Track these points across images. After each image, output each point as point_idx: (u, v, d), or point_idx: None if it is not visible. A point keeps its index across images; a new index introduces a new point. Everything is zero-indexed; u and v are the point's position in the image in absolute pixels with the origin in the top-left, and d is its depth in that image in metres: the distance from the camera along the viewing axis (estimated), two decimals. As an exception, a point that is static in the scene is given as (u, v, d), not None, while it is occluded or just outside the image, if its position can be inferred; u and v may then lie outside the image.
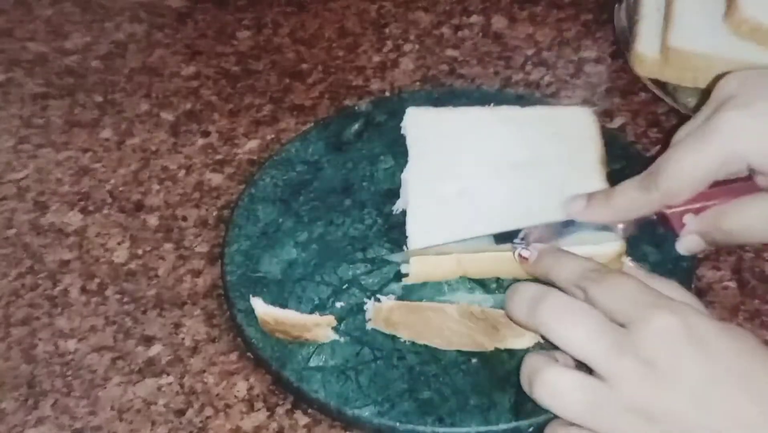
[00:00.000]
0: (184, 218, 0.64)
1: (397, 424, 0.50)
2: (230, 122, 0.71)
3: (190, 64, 0.76)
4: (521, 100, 0.65)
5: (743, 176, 0.50)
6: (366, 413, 0.50)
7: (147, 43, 0.79)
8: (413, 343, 0.53)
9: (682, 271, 0.55)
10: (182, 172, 0.67)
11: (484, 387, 0.51)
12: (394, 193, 0.60)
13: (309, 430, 0.52)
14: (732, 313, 0.56)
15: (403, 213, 0.57)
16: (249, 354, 0.55)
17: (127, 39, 0.79)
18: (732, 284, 0.57)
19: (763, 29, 0.65)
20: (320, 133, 0.66)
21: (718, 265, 0.58)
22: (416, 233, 0.54)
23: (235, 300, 0.56)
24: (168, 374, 0.55)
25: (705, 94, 0.52)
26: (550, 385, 0.44)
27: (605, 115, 0.68)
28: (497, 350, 0.52)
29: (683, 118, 0.66)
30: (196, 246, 0.62)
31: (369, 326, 0.53)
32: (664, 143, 0.66)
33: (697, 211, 0.51)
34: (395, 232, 0.58)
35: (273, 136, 0.69)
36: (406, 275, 0.55)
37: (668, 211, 0.51)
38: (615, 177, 0.56)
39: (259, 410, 0.53)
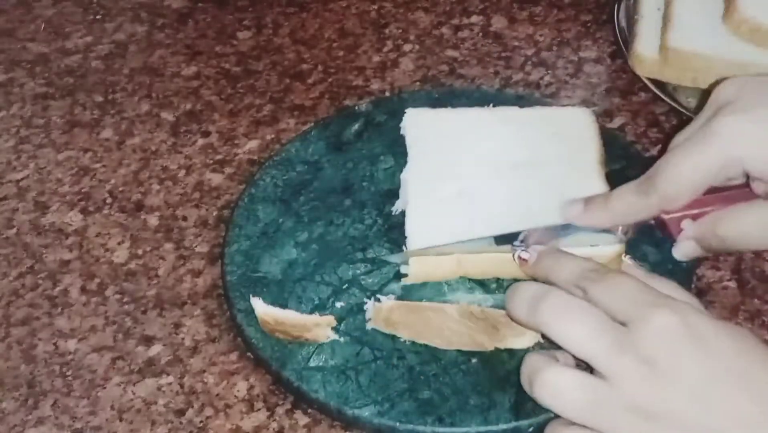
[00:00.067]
0: (184, 218, 0.64)
1: (397, 424, 0.50)
2: (230, 122, 0.71)
3: (191, 65, 0.76)
4: (521, 101, 0.65)
5: (741, 183, 0.50)
6: (366, 413, 0.50)
7: (147, 43, 0.79)
8: (413, 343, 0.53)
9: (682, 271, 0.55)
10: (182, 172, 0.67)
11: (484, 387, 0.51)
12: (394, 194, 0.60)
13: (309, 430, 0.52)
14: (732, 313, 0.56)
15: (403, 213, 0.57)
16: (249, 354, 0.55)
17: (128, 39, 0.79)
18: (732, 284, 0.57)
19: (763, 30, 0.65)
20: (320, 133, 0.66)
21: (718, 265, 0.58)
22: (415, 234, 0.54)
23: (235, 300, 0.56)
24: (168, 374, 0.55)
25: (705, 95, 0.52)
26: (551, 384, 0.44)
27: (605, 115, 0.68)
28: (497, 349, 0.52)
29: (683, 118, 0.67)
30: (196, 246, 0.62)
31: (369, 326, 0.53)
32: (664, 143, 0.66)
33: (694, 217, 0.51)
34: (395, 232, 0.58)
35: (273, 136, 0.69)
36: (406, 275, 0.55)
37: (666, 217, 0.52)
38: (615, 177, 0.56)
39: (259, 410, 0.53)
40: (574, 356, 0.45)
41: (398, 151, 0.61)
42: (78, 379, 0.56)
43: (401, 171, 0.59)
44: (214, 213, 0.64)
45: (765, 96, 0.49)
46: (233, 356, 0.56)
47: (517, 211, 0.55)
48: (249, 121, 0.71)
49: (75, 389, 0.55)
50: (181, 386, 0.55)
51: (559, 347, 0.45)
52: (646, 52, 0.68)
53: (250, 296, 0.54)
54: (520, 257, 0.52)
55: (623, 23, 0.73)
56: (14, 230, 0.65)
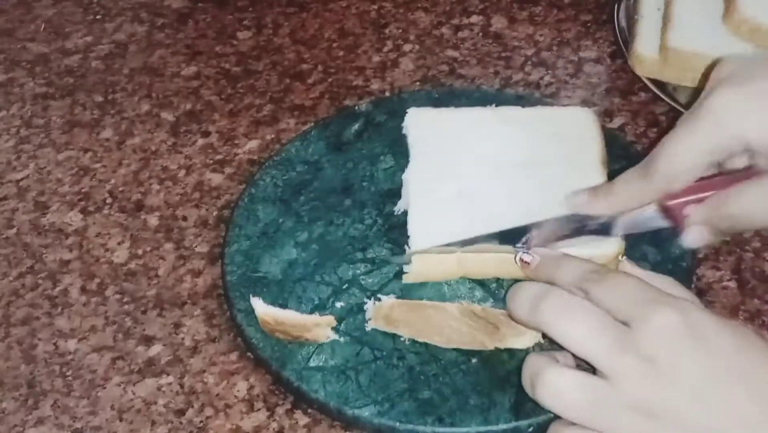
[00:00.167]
0: (184, 218, 0.64)
1: (397, 424, 0.50)
2: (230, 122, 0.71)
3: (191, 65, 0.76)
4: (521, 100, 0.65)
5: (743, 168, 0.50)
6: (366, 413, 0.50)
7: (147, 43, 0.79)
8: (413, 343, 0.53)
9: (682, 271, 0.55)
10: (182, 172, 0.67)
11: (484, 387, 0.51)
12: (394, 194, 0.60)
13: (309, 430, 0.52)
14: (732, 313, 0.56)
15: (405, 213, 0.57)
16: (249, 354, 0.55)
17: (128, 39, 0.79)
18: (732, 284, 0.57)
19: (763, 30, 0.65)
20: (320, 133, 0.66)
21: (718, 265, 0.58)
22: (417, 234, 0.54)
23: (235, 300, 0.56)
24: (168, 374, 0.55)
25: (702, 81, 0.52)
26: (552, 385, 0.44)
27: (605, 115, 0.68)
28: (497, 349, 0.52)
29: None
30: (196, 246, 0.62)
31: (369, 325, 0.53)
32: (664, 143, 0.66)
33: (699, 202, 0.51)
34: (395, 232, 0.58)
35: (273, 136, 0.69)
36: (406, 273, 0.55)
37: (670, 203, 0.51)
38: (615, 177, 0.56)
39: (259, 410, 0.53)
40: (575, 357, 0.45)
41: (398, 151, 0.61)
42: (78, 379, 0.56)
43: (401, 171, 0.59)
44: (214, 213, 0.64)
45: (760, 71, 0.48)
46: (233, 356, 0.56)
47: (519, 211, 0.55)
48: (249, 121, 0.71)
49: (75, 389, 0.55)
50: (181, 386, 0.55)
51: (560, 348, 0.45)
52: (646, 52, 0.68)
53: (250, 296, 0.54)
54: (522, 260, 0.52)
55: (623, 23, 0.73)
56: (14, 230, 0.65)
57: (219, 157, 0.68)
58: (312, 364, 0.52)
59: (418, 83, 0.73)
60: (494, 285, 0.55)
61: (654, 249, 0.56)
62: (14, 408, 0.54)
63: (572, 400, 0.44)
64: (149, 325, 0.58)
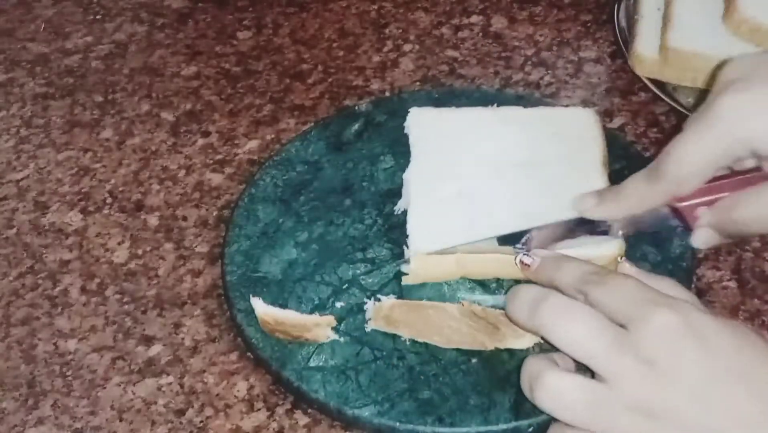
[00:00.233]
0: (184, 218, 0.64)
1: (397, 424, 0.50)
2: (230, 122, 0.71)
3: (191, 65, 0.76)
4: (521, 101, 0.65)
5: (754, 167, 0.50)
6: (366, 413, 0.50)
7: (147, 43, 0.79)
8: (413, 343, 0.53)
9: (682, 271, 0.55)
10: (182, 172, 0.67)
11: (484, 387, 0.51)
12: (394, 194, 0.60)
13: (309, 430, 0.52)
14: (732, 313, 0.56)
15: (404, 213, 0.57)
16: (249, 354, 0.55)
17: (128, 39, 0.79)
18: (732, 284, 0.57)
19: (763, 30, 0.65)
20: (320, 133, 0.66)
21: (718, 265, 0.58)
22: (417, 233, 0.54)
23: (235, 300, 0.56)
24: (168, 374, 0.55)
25: (710, 81, 0.52)
26: (551, 388, 0.44)
27: (605, 115, 0.68)
28: (497, 349, 0.52)
29: (683, 118, 0.66)
30: (196, 246, 0.62)
31: (369, 326, 0.53)
32: (664, 143, 0.66)
33: (709, 204, 0.50)
34: (395, 232, 0.58)
35: (273, 136, 0.69)
36: (406, 274, 0.55)
37: (680, 205, 0.51)
38: (615, 177, 0.56)
39: (259, 410, 0.53)
40: (574, 360, 0.45)
41: (398, 151, 0.61)
42: (78, 379, 0.56)
43: (401, 171, 0.59)
44: (214, 213, 0.64)
45: (766, 71, 0.48)
46: (233, 356, 0.56)
47: (519, 211, 0.55)
48: (249, 121, 0.71)
49: (75, 389, 0.55)
50: (181, 386, 0.55)
51: (559, 351, 0.45)
52: (646, 52, 0.68)
53: (250, 296, 0.54)
54: (522, 262, 0.52)
55: (623, 23, 0.73)
56: (14, 230, 0.65)
57: (219, 157, 0.68)
58: (312, 364, 0.52)
59: (418, 83, 0.73)
60: (494, 285, 0.55)
61: (654, 249, 0.56)
62: (14, 408, 0.54)
63: (571, 403, 0.44)
64: (149, 325, 0.58)
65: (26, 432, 0.53)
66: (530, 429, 0.49)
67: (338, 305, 0.55)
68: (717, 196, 0.50)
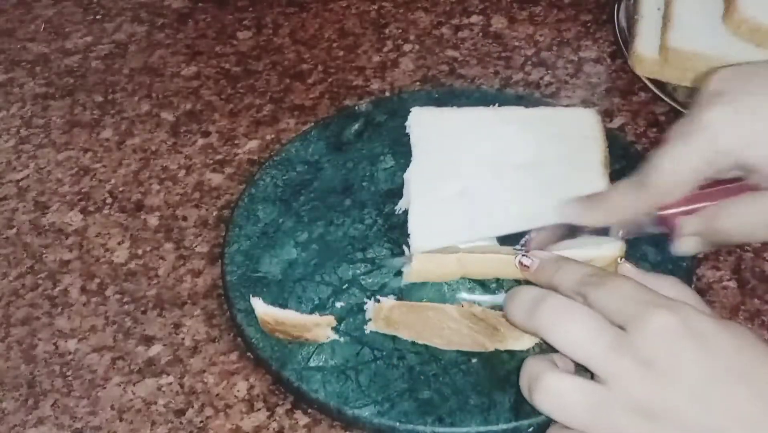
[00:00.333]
0: (184, 218, 0.64)
1: (397, 424, 0.50)
2: (230, 122, 0.71)
3: (191, 65, 0.76)
4: (521, 100, 0.65)
5: (737, 177, 0.50)
6: (366, 413, 0.50)
7: (147, 43, 0.79)
8: (413, 342, 0.53)
9: (682, 271, 0.55)
10: (182, 172, 0.67)
11: (484, 387, 0.51)
12: (394, 193, 0.60)
13: (309, 430, 0.52)
14: (732, 313, 0.56)
15: (404, 213, 0.57)
16: (249, 354, 0.55)
17: (128, 39, 0.79)
18: (732, 284, 0.57)
19: (762, 30, 0.65)
20: (320, 133, 0.66)
21: (718, 265, 0.58)
22: (418, 232, 0.54)
23: (235, 300, 0.56)
24: (168, 374, 0.55)
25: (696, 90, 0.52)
26: (550, 390, 0.44)
27: (605, 115, 0.68)
28: (497, 350, 0.52)
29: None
30: (196, 246, 0.62)
31: (369, 328, 0.53)
32: (664, 143, 0.66)
33: (690, 213, 0.51)
34: (395, 232, 0.58)
35: (273, 136, 0.69)
36: (406, 272, 0.54)
37: (662, 213, 0.51)
38: (615, 178, 0.56)
39: (259, 410, 0.53)
40: (573, 362, 0.45)
41: (398, 151, 0.61)
42: (78, 379, 0.56)
43: (401, 171, 0.59)
44: (214, 213, 0.64)
45: (751, 85, 0.48)
46: (233, 356, 0.56)
47: (519, 212, 0.55)
48: (249, 121, 0.71)
49: (75, 389, 0.55)
50: (181, 386, 0.55)
51: (558, 352, 0.45)
52: (646, 52, 0.68)
53: (250, 296, 0.54)
54: (521, 263, 0.52)
55: (623, 23, 0.73)
56: (14, 230, 0.65)
57: (219, 157, 0.68)
58: (312, 364, 0.52)
59: (418, 83, 0.73)
60: (494, 285, 0.55)
61: (654, 249, 0.56)
62: (14, 408, 0.54)
63: (570, 405, 0.43)
64: (149, 325, 0.58)
65: (26, 432, 0.53)
66: (530, 429, 0.49)
67: (338, 305, 0.55)
68: (699, 205, 0.50)
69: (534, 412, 0.48)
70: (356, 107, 0.68)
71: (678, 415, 0.42)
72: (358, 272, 0.56)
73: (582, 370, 0.44)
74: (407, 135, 0.60)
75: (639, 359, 0.42)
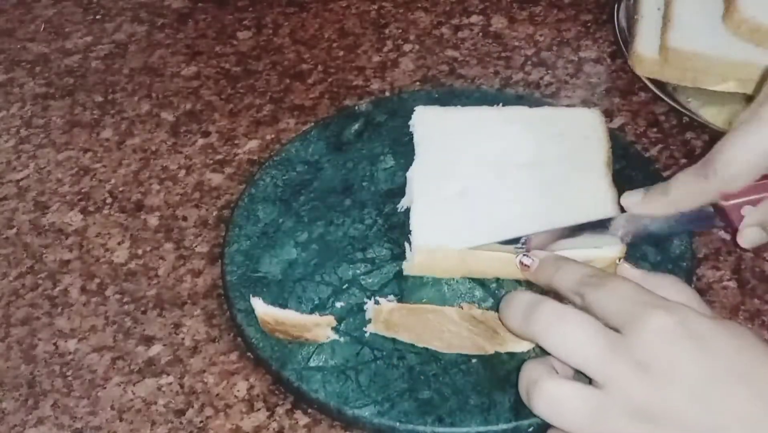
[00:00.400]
0: (184, 218, 0.64)
1: (397, 424, 0.50)
2: (230, 122, 0.71)
3: (191, 65, 0.76)
4: (521, 100, 0.65)
5: None
6: (366, 413, 0.50)
7: (147, 43, 0.79)
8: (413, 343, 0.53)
9: (682, 271, 0.55)
10: (182, 172, 0.67)
11: (484, 387, 0.51)
12: (394, 193, 0.60)
13: (309, 430, 0.52)
14: (732, 313, 0.56)
15: (404, 213, 0.57)
16: (249, 354, 0.55)
17: (128, 39, 0.79)
18: (732, 284, 0.57)
19: (763, 30, 0.65)
20: (320, 133, 0.66)
21: (718, 265, 0.58)
22: (420, 231, 0.54)
23: (235, 300, 0.56)
24: (168, 374, 0.55)
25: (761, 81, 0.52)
26: (548, 396, 0.44)
27: (605, 115, 0.68)
28: (497, 351, 0.52)
29: (683, 119, 0.67)
30: (196, 246, 0.62)
31: (369, 330, 0.53)
32: (664, 143, 0.66)
33: (755, 203, 0.50)
34: (395, 232, 0.58)
35: (273, 136, 0.69)
36: (407, 264, 0.54)
37: (726, 204, 0.50)
38: (615, 177, 0.56)
39: (259, 410, 0.53)
40: (571, 367, 0.45)
41: (398, 151, 0.61)
42: (78, 379, 0.56)
43: (401, 171, 0.59)
44: (214, 213, 0.64)
45: None
46: (233, 356, 0.56)
47: (521, 212, 0.55)
48: (249, 121, 0.71)
49: (75, 389, 0.55)
50: (181, 386, 0.55)
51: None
52: (646, 52, 0.68)
53: (250, 296, 0.54)
54: (521, 263, 0.52)
55: (623, 23, 0.73)
56: (14, 230, 0.65)
57: (219, 157, 0.68)
58: (312, 364, 0.52)
59: (418, 83, 0.73)
60: (494, 285, 0.55)
61: (654, 249, 0.56)
62: (14, 408, 0.54)
63: (569, 411, 0.43)
64: (149, 325, 0.58)
65: (26, 432, 0.53)
66: (530, 429, 0.49)
67: (338, 305, 0.55)
68: (763, 195, 0.50)
69: (534, 412, 0.48)
70: (356, 107, 0.68)
71: (678, 416, 0.42)
72: (358, 272, 0.56)
73: (581, 375, 0.44)
74: (407, 135, 0.60)
75: (635, 362, 0.42)
